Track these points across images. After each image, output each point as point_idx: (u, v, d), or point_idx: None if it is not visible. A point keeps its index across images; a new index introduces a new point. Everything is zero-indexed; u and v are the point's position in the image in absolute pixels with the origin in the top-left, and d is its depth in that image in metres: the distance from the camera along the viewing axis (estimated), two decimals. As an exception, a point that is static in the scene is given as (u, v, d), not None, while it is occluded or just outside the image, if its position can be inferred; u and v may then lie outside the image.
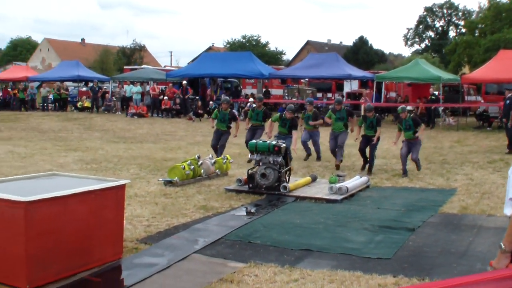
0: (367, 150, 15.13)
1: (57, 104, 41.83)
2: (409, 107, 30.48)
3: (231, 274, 6.94)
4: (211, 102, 34.74)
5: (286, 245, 8.25)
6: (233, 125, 16.54)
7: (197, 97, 35.84)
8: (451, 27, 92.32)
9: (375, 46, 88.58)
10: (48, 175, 8.45)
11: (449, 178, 14.40)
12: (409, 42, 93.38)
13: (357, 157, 16.59)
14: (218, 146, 15.98)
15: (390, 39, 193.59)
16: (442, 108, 32.31)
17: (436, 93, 33.93)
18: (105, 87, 44.15)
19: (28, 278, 6.26)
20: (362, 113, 14.75)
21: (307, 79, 40.45)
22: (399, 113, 15.00)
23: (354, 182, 12.60)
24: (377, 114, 13.98)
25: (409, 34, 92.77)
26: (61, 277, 6.62)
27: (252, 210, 10.69)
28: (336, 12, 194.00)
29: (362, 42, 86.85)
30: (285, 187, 12.08)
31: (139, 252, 7.86)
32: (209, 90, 37.46)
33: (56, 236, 6.50)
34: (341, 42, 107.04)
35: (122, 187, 7.43)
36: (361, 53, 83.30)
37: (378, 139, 15.01)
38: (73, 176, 8.42)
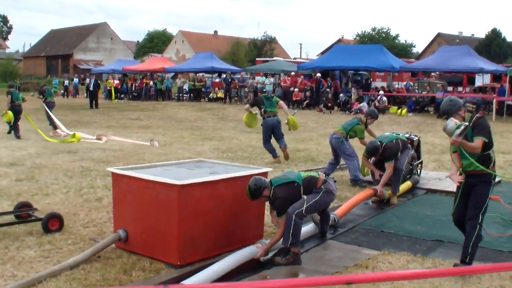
0: None
1: (191, 94, 43.38)
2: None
3: (366, 260, 7.28)
4: (341, 95, 34.92)
5: (418, 235, 8.50)
6: None
7: (328, 89, 36.10)
8: None
9: (508, 39, 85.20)
10: (195, 161, 9.12)
11: None
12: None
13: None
14: None
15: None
16: None
17: None
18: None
19: (180, 255, 6.86)
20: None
21: (437, 72, 39.75)
22: None
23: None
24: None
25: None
26: (208, 256, 7.16)
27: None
28: (468, 3, 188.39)
29: (495, 34, 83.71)
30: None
31: (277, 237, 8.28)
32: (339, 83, 37.57)
33: (205, 217, 7.07)
34: (472, 35, 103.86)
35: (264, 174, 7.90)
36: (493, 46, 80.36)
37: None
38: (218, 163, 9.03)
